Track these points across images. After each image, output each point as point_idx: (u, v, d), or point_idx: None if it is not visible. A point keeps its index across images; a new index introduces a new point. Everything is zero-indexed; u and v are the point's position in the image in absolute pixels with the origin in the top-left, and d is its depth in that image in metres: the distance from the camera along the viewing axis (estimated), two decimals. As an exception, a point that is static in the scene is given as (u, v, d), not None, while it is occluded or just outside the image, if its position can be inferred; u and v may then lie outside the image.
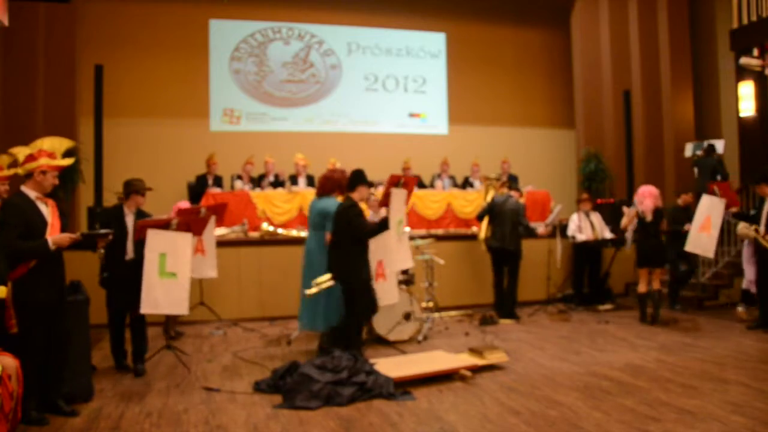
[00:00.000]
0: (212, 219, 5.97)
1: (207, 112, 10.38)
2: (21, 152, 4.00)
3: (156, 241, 4.71)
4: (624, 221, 7.23)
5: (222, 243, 7.38)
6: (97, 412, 4.06)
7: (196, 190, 8.91)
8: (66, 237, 3.91)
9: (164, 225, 4.84)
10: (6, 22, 6.23)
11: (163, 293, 4.66)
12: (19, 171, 3.99)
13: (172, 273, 4.70)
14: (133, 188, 5.22)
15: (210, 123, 10.40)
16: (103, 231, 4.23)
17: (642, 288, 6.98)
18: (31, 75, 8.53)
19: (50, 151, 4.00)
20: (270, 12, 10.74)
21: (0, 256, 3.63)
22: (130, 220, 5.16)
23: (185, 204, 7.04)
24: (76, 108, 8.94)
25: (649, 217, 6.92)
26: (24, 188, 3.95)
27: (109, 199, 8.20)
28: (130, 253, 5.11)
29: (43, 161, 3.94)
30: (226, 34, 10.55)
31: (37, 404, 3.87)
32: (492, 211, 7.45)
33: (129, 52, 9.86)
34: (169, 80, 10.10)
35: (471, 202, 9.38)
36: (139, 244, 5.00)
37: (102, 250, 4.79)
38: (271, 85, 10.75)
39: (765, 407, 3.90)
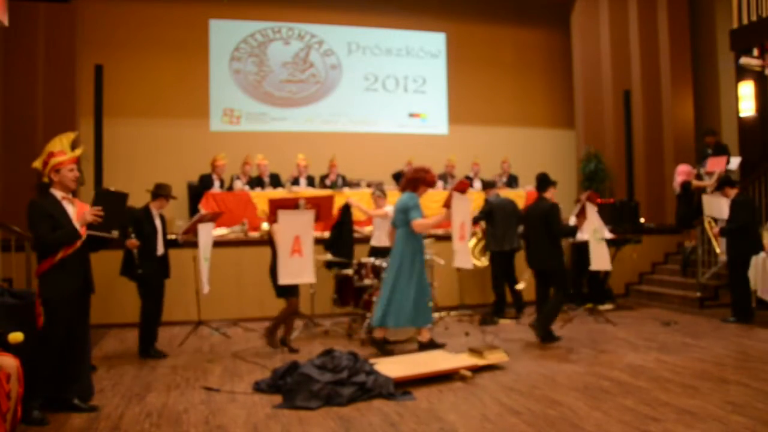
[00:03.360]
0: (311, 215, 5.61)
1: (207, 112, 10.38)
2: (38, 163, 4.12)
3: (287, 222, 5.43)
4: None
5: (222, 243, 7.39)
6: (97, 412, 4.06)
7: (199, 190, 8.86)
8: (87, 214, 3.97)
9: (293, 206, 5.60)
10: (6, 22, 6.23)
11: (296, 268, 5.43)
12: (45, 179, 4.13)
13: (298, 251, 5.45)
14: (163, 192, 5.82)
15: (210, 123, 10.40)
16: (106, 235, 4.19)
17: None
18: (31, 75, 8.54)
19: (58, 150, 4.10)
20: (270, 12, 10.73)
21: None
22: (158, 220, 5.77)
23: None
24: (76, 108, 8.95)
25: (678, 190, 8.57)
26: (52, 190, 4.08)
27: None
28: (160, 249, 5.75)
29: (54, 160, 4.05)
30: (226, 34, 10.55)
31: (46, 402, 3.93)
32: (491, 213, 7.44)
33: (129, 52, 9.86)
34: (169, 80, 10.10)
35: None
36: (169, 242, 5.87)
37: (135, 250, 5.52)
38: (271, 85, 10.74)
39: (765, 407, 3.90)
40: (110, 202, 4.16)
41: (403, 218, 5.46)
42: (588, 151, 10.37)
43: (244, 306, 7.56)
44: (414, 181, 5.56)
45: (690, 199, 8.43)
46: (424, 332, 5.66)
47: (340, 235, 6.89)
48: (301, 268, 5.46)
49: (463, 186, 5.52)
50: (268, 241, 5.99)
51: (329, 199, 6.10)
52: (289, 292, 5.78)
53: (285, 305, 5.89)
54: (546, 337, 5.98)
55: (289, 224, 5.46)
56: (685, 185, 8.43)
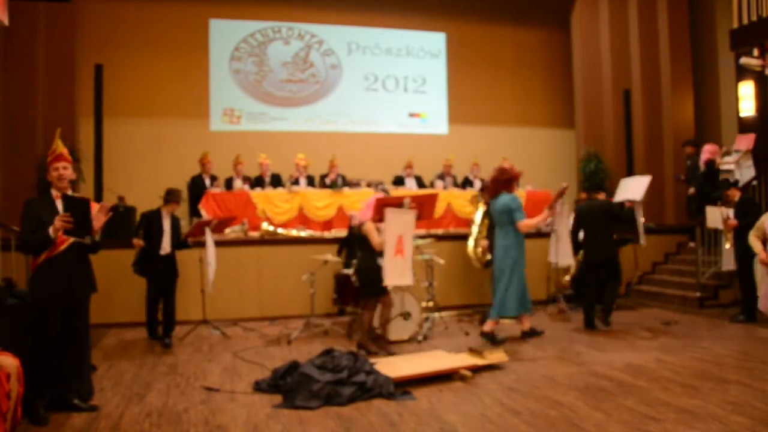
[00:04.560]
0: (413, 215, 5.43)
1: (207, 112, 10.38)
2: None
3: (394, 222, 5.29)
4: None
5: (222, 243, 7.38)
6: (97, 412, 4.06)
7: (194, 191, 8.87)
8: (57, 220, 3.89)
9: (398, 205, 5.55)
10: (6, 22, 6.23)
11: (399, 269, 5.30)
12: None
13: (401, 252, 5.33)
14: (168, 196, 6.24)
15: (210, 123, 10.40)
16: (81, 240, 4.08)
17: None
18: (31, 75, 8.54)
19: (52, 149, 4.14)
20: (270, 12, 10.74)
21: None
22: (167, 222, 6.19)
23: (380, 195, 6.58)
24: (76, 108, 8.95)
25: (702, 169, 8.61)
26: (52, 189, 4.14)
27: (110, 199, 8.22)
28: (165, 248, 6.15)
29: (48, 160, 4.12)
30: (226, 34, 10.56)
31: (47, 402, 3.92)
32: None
33: (129, 52, 9.86)
34: (169, 80, 10.10)
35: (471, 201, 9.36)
36: (177, 243, 6.21)
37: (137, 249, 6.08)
38: (271, 84, 10.75)
39: (765, 407, 3.90)
40: (77, 207, 4.05)
41: (507, 218, 5.91)
42: (588, 151, 10.37)
43: (243, 306, 7.56)
44: (507, 181, 5.99)
45: (714, 177, 8.50)
46: (525, 320, 6.12)
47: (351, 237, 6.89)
48: (402, 269, 5.32)
49: (564, 191, 6.13)
50: (356, 240, 5.86)
51: (433, 198, 5.93)
52: (382, 290, 5.62)
53: (367, 305, 5.70)
54: (608, 322, 6.60)
55: (395, 224, 5.28)
56: (710, 164, 8.49)
